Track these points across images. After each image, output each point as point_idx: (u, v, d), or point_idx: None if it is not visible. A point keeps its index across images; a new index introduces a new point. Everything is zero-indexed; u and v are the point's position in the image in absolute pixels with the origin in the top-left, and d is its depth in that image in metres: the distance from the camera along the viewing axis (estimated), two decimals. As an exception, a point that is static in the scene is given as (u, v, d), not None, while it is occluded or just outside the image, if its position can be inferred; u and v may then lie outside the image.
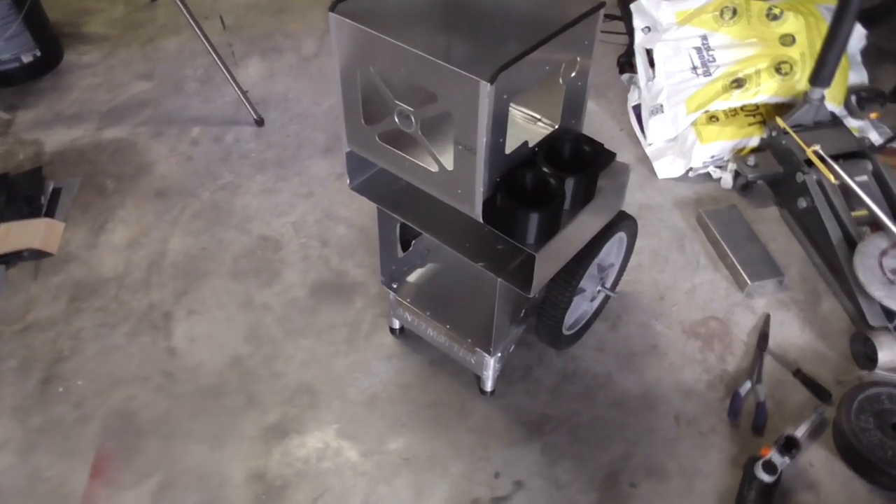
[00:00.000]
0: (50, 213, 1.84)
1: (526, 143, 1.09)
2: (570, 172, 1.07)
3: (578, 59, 1.06)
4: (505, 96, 0.93)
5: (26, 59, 2.22)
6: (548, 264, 1.11)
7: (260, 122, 2.11)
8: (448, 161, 1.02)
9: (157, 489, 1.30)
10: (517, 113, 1.26)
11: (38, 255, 1.73)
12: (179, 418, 1.41)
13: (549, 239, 1.06)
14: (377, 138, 1.10)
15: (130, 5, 2.70)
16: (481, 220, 1.04)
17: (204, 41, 2.04)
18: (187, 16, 2.01)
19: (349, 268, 1.69)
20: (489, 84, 0.89)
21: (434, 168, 1.05)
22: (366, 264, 1.70)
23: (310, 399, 1.44)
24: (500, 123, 0.96)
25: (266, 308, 1.61)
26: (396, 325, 1.51)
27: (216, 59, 2.06)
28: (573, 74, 1.08)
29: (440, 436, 1.37)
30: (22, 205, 1.84)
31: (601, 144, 1.16)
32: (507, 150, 1.03)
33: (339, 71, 1.06)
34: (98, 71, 2.37)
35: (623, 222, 1.32)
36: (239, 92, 2.09)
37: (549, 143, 1.12)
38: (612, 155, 1.19)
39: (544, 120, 1.24)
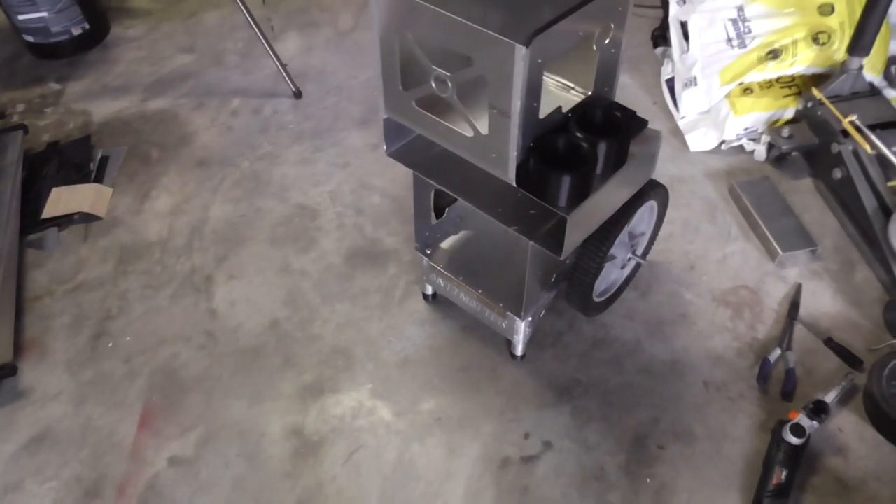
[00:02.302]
0: (98, 179, 1.91)
1: (559, 108, 1.11)
2: (601, 137, 1.09)
3: (612, 25, 1.08)
4: (539, 61, 0.95)
5: (75, 31, 2.31)
6: (579, 227, 1.13)
7: (298, 95, 2.16)
8: (483, 126, 1.05)
9: (200, 441, 1.37)
10: (550, 81, 1.27)
11: (87, 218, 1.80)
12: (220, 376, 1.47)
13: (580, 202, 1.08)
14: (414, 104, 1.13)
15: (171, -20, 2.76)
16: (514, 184, 1.07)
17: (246, 14, 2.08)
18: (228, -11, 2.06)
19: (383, 236, 1.73)
20: (524, 48, 0.91)
21: (469, 133, 1.08)
22: (399, 233, 1.74)
23: (345, 361, 1.49)
24: (534, 88, 0.98)
25: (303, 274, 1.66)
26: (429, 290, 1.55)
27: (257, 32, 2.10)
28: (607, 41, 1.09)
29: (471, 398, 1.42)
30: (72, 171, 1.91)
31: (633, 111, 1.17)
32: (541, 115, 1.05)
33: (377, 38, 1.09)
34: (143, 44, 2.43)
35: (654, 190, 1.34)
36: (278, 65, 2.13)
37: (581, 109, 1.14)
38: (643, 122, 1.20)
39: (577, 88, 1.25)
